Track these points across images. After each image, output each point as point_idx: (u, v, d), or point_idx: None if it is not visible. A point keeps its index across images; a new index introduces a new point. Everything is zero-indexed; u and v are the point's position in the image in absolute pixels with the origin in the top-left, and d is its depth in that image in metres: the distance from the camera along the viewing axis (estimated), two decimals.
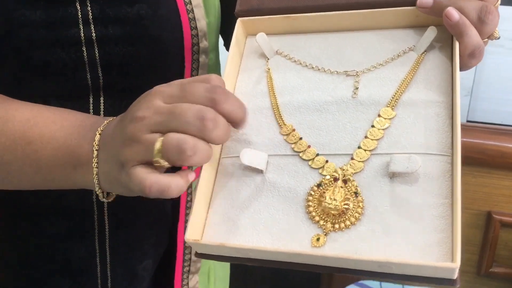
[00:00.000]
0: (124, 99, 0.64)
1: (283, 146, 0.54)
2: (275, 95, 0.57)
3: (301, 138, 0.54)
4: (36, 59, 0.58)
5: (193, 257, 0.72)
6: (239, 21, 0.60)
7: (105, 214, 0.66)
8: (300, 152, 0.53)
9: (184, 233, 0.53)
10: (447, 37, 0.55)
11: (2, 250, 0.66)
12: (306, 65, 0.58)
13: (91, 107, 0.63)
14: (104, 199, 0.52)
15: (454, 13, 0.51)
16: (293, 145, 0.54)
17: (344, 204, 0.48)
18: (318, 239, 0.47)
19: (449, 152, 0.49)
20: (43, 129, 0.53)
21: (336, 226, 0.48)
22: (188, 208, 0.71)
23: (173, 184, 0.46)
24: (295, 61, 0.59)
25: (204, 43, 0.65)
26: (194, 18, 0.64)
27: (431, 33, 0.54)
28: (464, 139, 1.36)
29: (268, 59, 0.60)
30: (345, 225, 0.48)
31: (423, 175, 0.48)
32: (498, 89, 1.44)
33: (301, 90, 0.57)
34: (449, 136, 0.50)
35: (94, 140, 0.50)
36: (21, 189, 0.57)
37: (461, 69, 0.54)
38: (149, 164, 0.46)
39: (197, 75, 0.66)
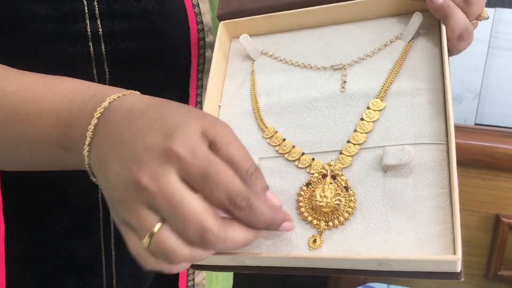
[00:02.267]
0: None
1: (270, 149, 0.53)
2: (256, 98, 0.56)
3: (284, 139, 0.53)
4: (43, 53, 0.58)
5: None
6: (221, 25, 0.59)
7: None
8: (285, 153, 0.52)
9: None
10: (434, 22, 0.53)
11: (8, 247, 0.65)
12: (293, 63, 0.57)
13: None
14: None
15: None
16: (277, 148, 0.52)
17: (336, 200, 0.47)
18: (314, 241, 0.46)
19: (444, 140, 0.47)
20: (32, 105, 0.47)
21: (330, 223, 0.46)
22: None
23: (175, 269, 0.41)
24: (281, 60, 0.58)
25: (209, 38, 0.65)
26: (200, 12, 0.63)
27: (416, 19, 0.53)
28: (472, 142, 1.36)
29: (254, 60, 0.59)
30: (339, 222, 0.46)
31: (418, 165, 0.47)
32: (506, 92, 1.44)
33: (289, 89, 0.56)
34: (443, 124, 0.48)
35: (90, 124, 0.43)
36: (19, 170, 0.54)
37: (451, 54, 0.52)
38: None
39: (203, 70, 0.65)
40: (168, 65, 0.63)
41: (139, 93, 0.46)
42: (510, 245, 1.40)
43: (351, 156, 0.49)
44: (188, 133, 0.39)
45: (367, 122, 0.50)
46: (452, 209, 0.43)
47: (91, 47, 0.59)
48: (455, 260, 0.40)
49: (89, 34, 0.59)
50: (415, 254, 0.43)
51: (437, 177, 0.46)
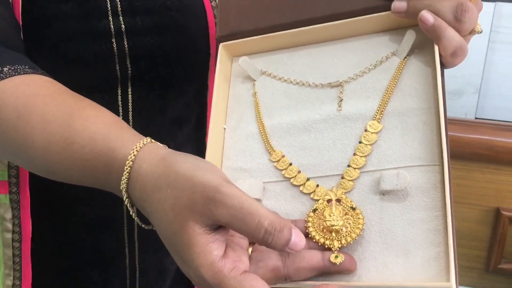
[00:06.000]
0: (151, 91, 0.65)
1: (275, 172, 0.54)
2: (262, 120, 0.57)
3: (291, 164, 0.54)
4: (68, 51, 0.59)
5: None
6: (221, 46, 0.60)
7: None
8: (291, 178, 0.53)
9: None
10: (429, 39, 0.53)
11: (35, 243, 0.67)
12: (291, 82, 0.58)
13: (119, 99, 0.64)
14: (146, 226, 0.49)
15: (428, 17, 0.50)
16: (283, 171, 0.54)
17: (345, 218, 0.48)
18: (336, 257, 0.46)
19: (439, 161, 0.48)
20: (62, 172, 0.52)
21: (343, 241, 0.47)
22: None
23: None
24: (280, 78, 0.59)
25: None
26: (217, 5, 0.64)
27: (410, 37, 0.53)
28: (473, 136, 1.36)
29: (255, 80, 0.60)
30: (352, 238, 0.47)
31: (415, 188, 0.48)
32: (507, 87, 1.44)
33: (289, 110, 0.57)
34: (437, 144, 0.49)
35: (123, 197, 0.47)
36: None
37: (446, 67, 0.53)
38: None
39: (216, 66, 0.66)
40: (188, 59, 0.65)
41: (148, 150, 0.46)
42: (510, 238, 1.40)
43: (352, 180, 0.51)
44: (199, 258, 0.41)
45: (366, 145, 0.51)
46: (448, 234, 0.44)
47: (114, 43, 0.60)
48: (449, 287, 0.42)
49: (112, 30, 0.60)
50: (412, 277, 0.45)
51: (432, 200, 0.47)
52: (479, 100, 1.47)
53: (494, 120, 1.46)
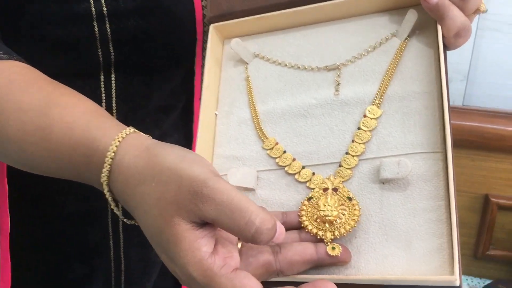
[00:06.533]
0: (135, 76, 0.63)
1: (269, 160, 0.52)
2: (254, 106, 0.55)
3: (285, 152, 0.52)
4: (48, 35, 0.56)
5: None
6: (212, 28, 0.57)
7: None
8: (285, 166, 0.51)
9: None
10: (431, 19, 0.51)
11: (15, 237, 0.65)
12: (286, 65, 0.56)
13: (102, 85, 0.61)
14: (128, 221, 0.47)
15: None
16: (277, 159, 0.52)
17: (340, 209, 0.46)
18: (333, 248, 0.45)
19: (441, 148, 0.46)
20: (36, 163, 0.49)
21: (336, 233, 0.45)
22: None
23: None
24: (274, 61, 0.57)
25: None
26: None
27: (411, 16, 0.51)
28: (462, 122, 1.35)
29: (248, 64, 0.58)
30: (345, 230, 0.45)
31: (416, 176, 0.46)
32: (495, 74, 1.43)
33: (284, 95, 0.54)
34: (439, 130, 0.47)
35: (103, 191, 0.44)
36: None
37: (448, 49, 0.51)
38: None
39: (207, 48, 0.65)
40: (174, 44, 0.62)
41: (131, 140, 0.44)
42: (499, 225, 1.41)
43: (351, 168, 0.48)
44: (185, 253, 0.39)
45: (365, 131, 0.49)
46: (451, 225, 0.42)
47: (96, 27, 0.58)
48: (453, 281, 0.40)
49: (94, 13, 0.57)
50: (414, 269, 0.43)
51: (435, 189, 0.45)
52: (467, 87, 1.46)
53: (482, 107, 1.45)
